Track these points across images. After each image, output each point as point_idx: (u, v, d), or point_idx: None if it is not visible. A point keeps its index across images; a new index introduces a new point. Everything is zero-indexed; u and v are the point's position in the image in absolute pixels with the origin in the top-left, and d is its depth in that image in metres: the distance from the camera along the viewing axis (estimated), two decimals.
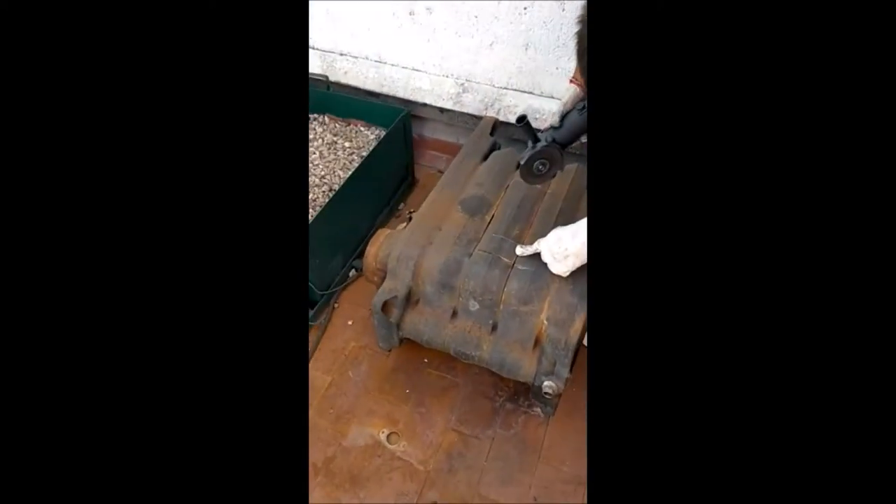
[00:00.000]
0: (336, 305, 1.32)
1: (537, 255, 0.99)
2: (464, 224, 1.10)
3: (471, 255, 1.05)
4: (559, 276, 0.98)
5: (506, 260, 1.03)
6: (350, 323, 1.28)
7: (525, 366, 1.00)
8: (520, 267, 1.02)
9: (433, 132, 1.66)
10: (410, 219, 1.16)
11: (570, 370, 0.95)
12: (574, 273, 0.97)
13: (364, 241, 1.43)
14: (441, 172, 1.66)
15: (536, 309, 0.99)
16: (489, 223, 1.11)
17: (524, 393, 1.14)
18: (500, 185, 1.19)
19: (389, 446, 1.07)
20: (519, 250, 1.01)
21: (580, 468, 1.02)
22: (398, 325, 1.09)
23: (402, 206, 1.57)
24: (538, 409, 1.11)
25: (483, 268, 1.02)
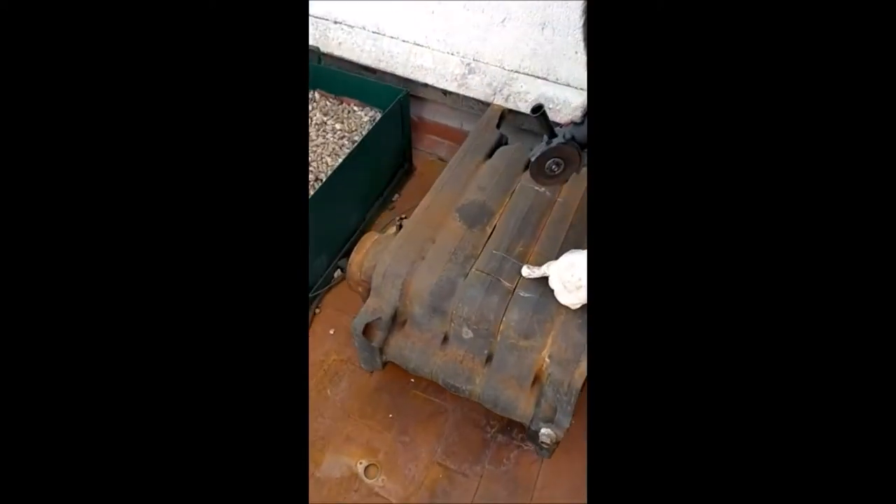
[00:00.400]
0: (318, 310, 1.20)
1: (544, 280, 0.87)
2: (461, 236, 0.97)
3: (467, 275, 0.92)
4: (567, 308, 0.86)
5: (506, 284, 0.90)
6: (332, 332, 1.17)
7: (521, 406, 0.89)
8: (522, 293, 0.89)
9: (434, 115, 1.50)
10: (401, 226, 1.03)
11: (572, 418, 0.84)
12: (584, 307, 0.84)
13: (353, 236, 1.30)
14: (442, 160, 1.51)
15: (538, 344, 0.87)
16: (490, 235, 0.98)
17: (519, 424, 1.03)
18: (505, 189, 1.05)
19: (367, 480, 0.97)
20: (525, 272, 0.88)
21: None
22: (381, 349, 0.97)
23: (396, 196, 1.43)
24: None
25: (480, 292, 0.89)
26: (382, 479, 0.97)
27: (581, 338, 0.84)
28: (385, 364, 1.02)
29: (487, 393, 0.90)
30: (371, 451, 1.00)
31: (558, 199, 1.04)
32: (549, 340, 0.86)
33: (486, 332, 0.90)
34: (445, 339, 0.94)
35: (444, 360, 0.93)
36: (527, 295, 0.89)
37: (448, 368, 0.92)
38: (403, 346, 0.95)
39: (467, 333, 0.91)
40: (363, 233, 1.19)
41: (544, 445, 0.86)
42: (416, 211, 1.03)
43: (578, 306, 0.84)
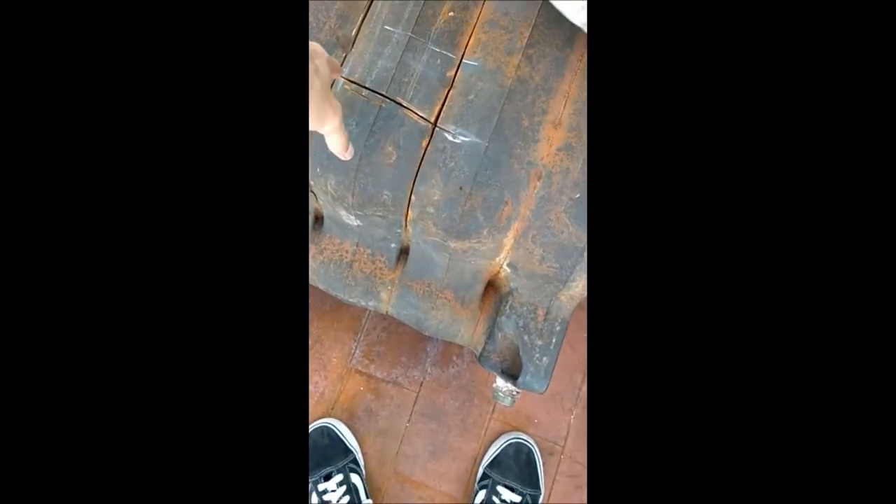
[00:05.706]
0: None
1: (492, 105, 0.37)
2: None
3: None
4: (538, 167, 0.39)
5: (416, 113, 0.40)
6: None
7: (463, 332, 0.50)
8: (450, 135, 0.40)
9: None
10: None
11: (551, 372, 0.46)
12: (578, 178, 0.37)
13: None
14: None
15: (486, 246, 0.42)
16: None
17: None
18: None
19: None
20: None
21: (575, 417, 0.64)
22: None
23: None
24: None
25: (358, 135, 0.40)
26: None
27: (576, 229, 0.40)
28: None
29: (404, 312, 0.51)
30: None
31: None
32: (510, 237, 0.42)
33: (382, 219, 0.44)
34: (318, 220, 0.50)
35: (323, 258, 0.50)
36: (462, 139, 0.40)
37: (330, 273, 0.50)
38: None
39: (350, 219, 0.46)
40: None
41: (500, 395, 0.50)
42: None
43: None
